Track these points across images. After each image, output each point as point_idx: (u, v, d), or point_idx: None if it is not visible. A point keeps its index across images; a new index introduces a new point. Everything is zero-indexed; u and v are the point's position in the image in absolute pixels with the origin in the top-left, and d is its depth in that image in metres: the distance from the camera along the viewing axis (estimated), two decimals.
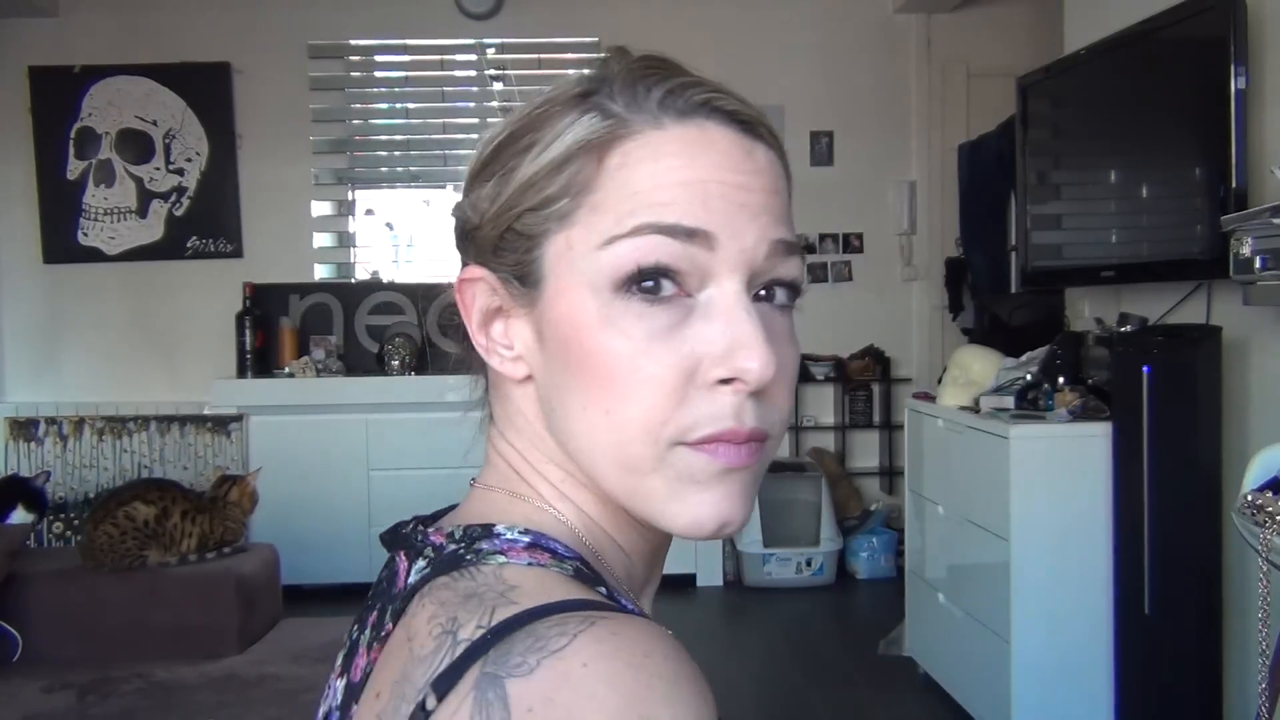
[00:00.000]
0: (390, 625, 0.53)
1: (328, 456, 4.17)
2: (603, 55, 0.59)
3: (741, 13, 4.68)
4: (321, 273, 4.73)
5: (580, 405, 0.55)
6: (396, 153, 4.81)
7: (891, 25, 4.76)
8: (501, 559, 0.53)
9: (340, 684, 0.57)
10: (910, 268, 4.78)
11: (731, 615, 4.09)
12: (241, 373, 4.38)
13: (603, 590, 0.53)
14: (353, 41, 4.69)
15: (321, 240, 4.74)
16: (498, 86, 4.66)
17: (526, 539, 0.55)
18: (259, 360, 4.39)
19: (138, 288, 4.61)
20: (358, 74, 4.75)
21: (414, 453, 4.01)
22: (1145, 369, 2.42)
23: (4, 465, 4.21)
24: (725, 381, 0.53)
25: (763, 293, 0.57)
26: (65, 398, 4.50)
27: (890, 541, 4.39)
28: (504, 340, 0.59)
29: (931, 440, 3.14)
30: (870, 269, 4.79)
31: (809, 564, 4.31)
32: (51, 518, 4.18)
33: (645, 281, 0.53)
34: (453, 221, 0.62)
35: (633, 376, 0.53)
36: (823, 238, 4.76)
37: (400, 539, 0.59)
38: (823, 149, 4.75)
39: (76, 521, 4.15)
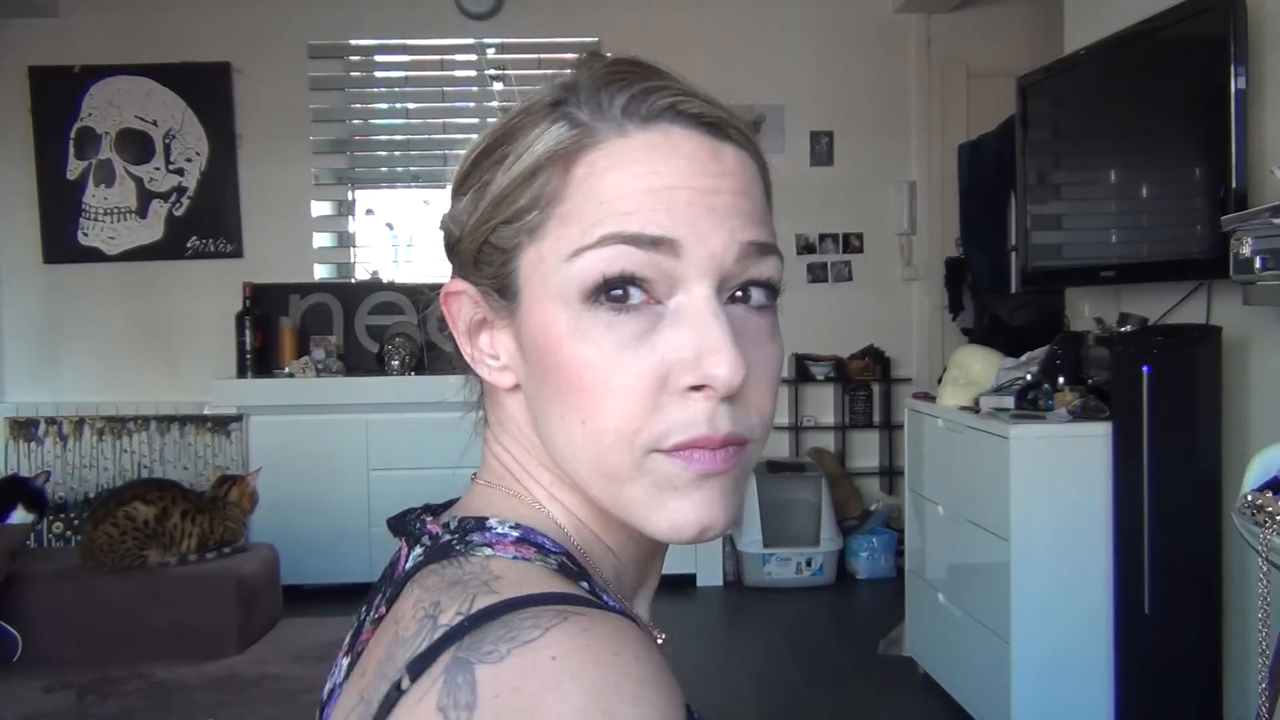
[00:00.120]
0: (384, 609, 0.55)
1: (328, 456, 4.17)
2: (576, 61, 0.59)
3: (741, 13, 4.68)
4: (321, 273, 4.74)
5: (559, 415, 0.56)
6: (396, 153, 4.81)
7: (891, 25, 4.76)
8: (489, 551, 0.54)
9: (345, 662, 0.59)
10: (910, 268, 4.78)
11: (731, 615, 4.09)
12: (241, 373, 4.38)
13: (585, 586, 0.54)
14: (353, 41, 4.69)
15: (321, 240, 4.74)
16: (498, 86, 4.66)
17: (516, 533, 0.56)
18: (259, 360, 4.39)
19: (138, 288, 4.61)
20: (358, 74, 4.75)
21: (414, 453, 4.01)
22: (1145, 369, 2.42)
23: (4, 465, 4.21)
24: (696, 388, 0.53)
25: (739, 294, 0.57)
26: (65, 398, 4.50)
27: (890, 541, 4.39)
28: (490, 350, 0.60)
29: (931, 440, 3.14)
30: (870, 269, 4.79)
31: (809, 564, 4.31)
32: (51, 518, 4.17)
33: (614, 291, 0.54)
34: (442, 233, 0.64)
35: (604, 386, 0.54)
36: (823, 238, 4.76)
37: (403, 526, 0.61)
38: (823, 149, 4.75)
39: (76, 521, 4.15)
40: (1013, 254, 3.70)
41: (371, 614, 0.58)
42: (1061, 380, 2.75)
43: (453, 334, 0.62)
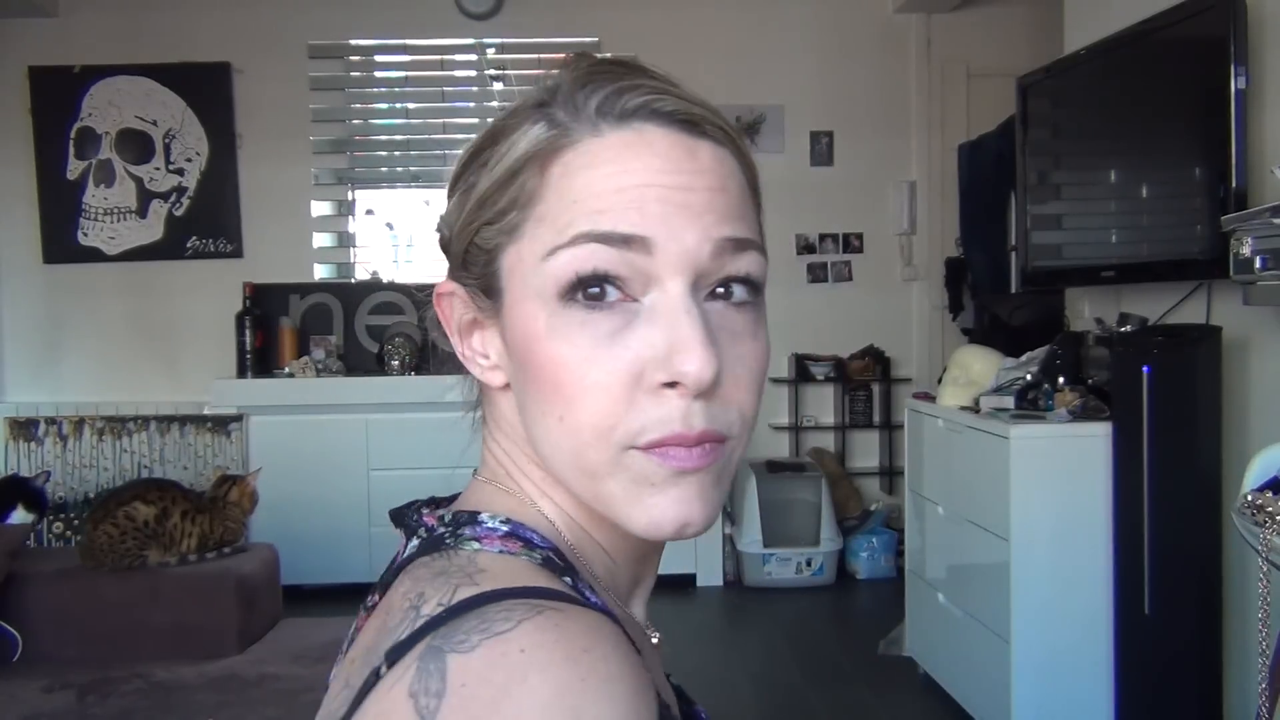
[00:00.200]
0: (377, 598, 0.57)
1: (328, 456, 4.17)
2: (561, 62, 0.60)
3: (741, 13, 4.68)
4: (321, 273, 4.73)
5: (540, 412, 0.57)
6: (396, 153, 4.81)
7: (891, 25, 4.76)
8: (476, 545, 0.55)
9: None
10: (910, 268, 4.78)
11: (731, 615, 4.09)
12: (241, 373, 4.38)
13: (569, 581, 0.54)
14: (353, 41, 4.69)
15: (321, 240, 4.74)
16: (498, 86, 4.66)
17: (505, 528, 0.57)
18: (259, 360, 4.39)
19: (138, 288, 4.61)
20: (358, 74, 4.75)
21: (414, 453, 4.00)
22: (1145, 369, 2.42)
23: (4, 465, 4.21)
24: (670, 385, 0.53)
25: (720, 290, 0.57)
26: (65, 398, 4.50)
27: (890, 541, 4.39)
28: (481, 350, 0.62)
29: (931, 440, 3.14)
30: (870, 269, 4.79)
31: (809, 564, 4.31)
32: (51, 518, 4.18)
33: (592, 289, 0.54)
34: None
35: (579, 383, 0.54)
36: (823, 238, 4.76)
37: (402, 518, 0.62)
38: (823, 149, 4.75)
39: (76, 521, 4.15)
40: (1013, 254, 3.70)
41: (367, 604, 0.59)
42: (1061, 380, 2.75)
43: (446, 334, 0.63)
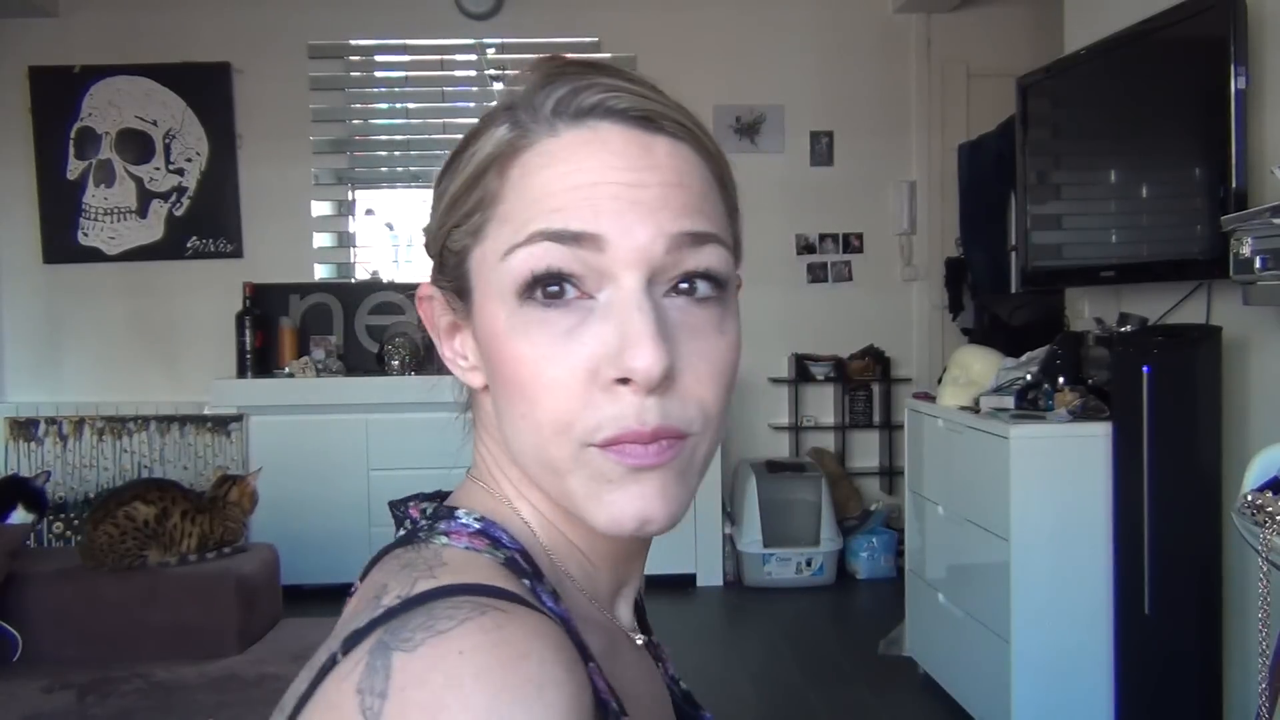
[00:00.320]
0: (359, 584, 0.58)
1: (328, 456, 4.17)
2: (532, 64, 0.60)
3: (741, 13, 4.68)
4: (321, 273, 4.73)
5: (508, 411, 0.58)
6: (396, 153, 4.81)
7: (891, 25, 4.76)
8: (445, 540, 0.56)
9: None
10: (910, 268, 4.78)
11: (731, 615, 4.09)
12: (241, 373, 4.38)
13: (527, 583, 0.55)
14: (353, 41, 4.69)
15: (321, 240, 4.74)
16: (498, 86, 4.66)
17: (477, 525, 0.58)
18: (259, 360, 4.39)
19: (138, 288, 4.61)
20: (358, 74, 4.75)
21: (414, 453, 3.98)
22: (1145, 369, 2.42)
23: (4, 465, 4.21)
24: (623, 381, 0.53)
25: (684, 286, 0.56)
26: (65, 398, 4.50)
27: (890, 541, 4.39)
28: (461, 352, 0.62)
29: (931, 440, 3.14)
30: (870, 269, 4.79)
31: (809, 564, 4.31)
32: (51, 518, 4.18)
33: (550, 286, 0.55)
34: None
35: (538, 381, 0.55)
36: (823, 238, 4.76)
37: (393, 510, 0.64)
38: (823, 149, 4.75)
39: (76, 521, 4.15)
40: (1013, 254, 3.70)
41: (351, 592, 0.60)
42: (1061, 380, 2.75)
43: (430, 336, 0.64)
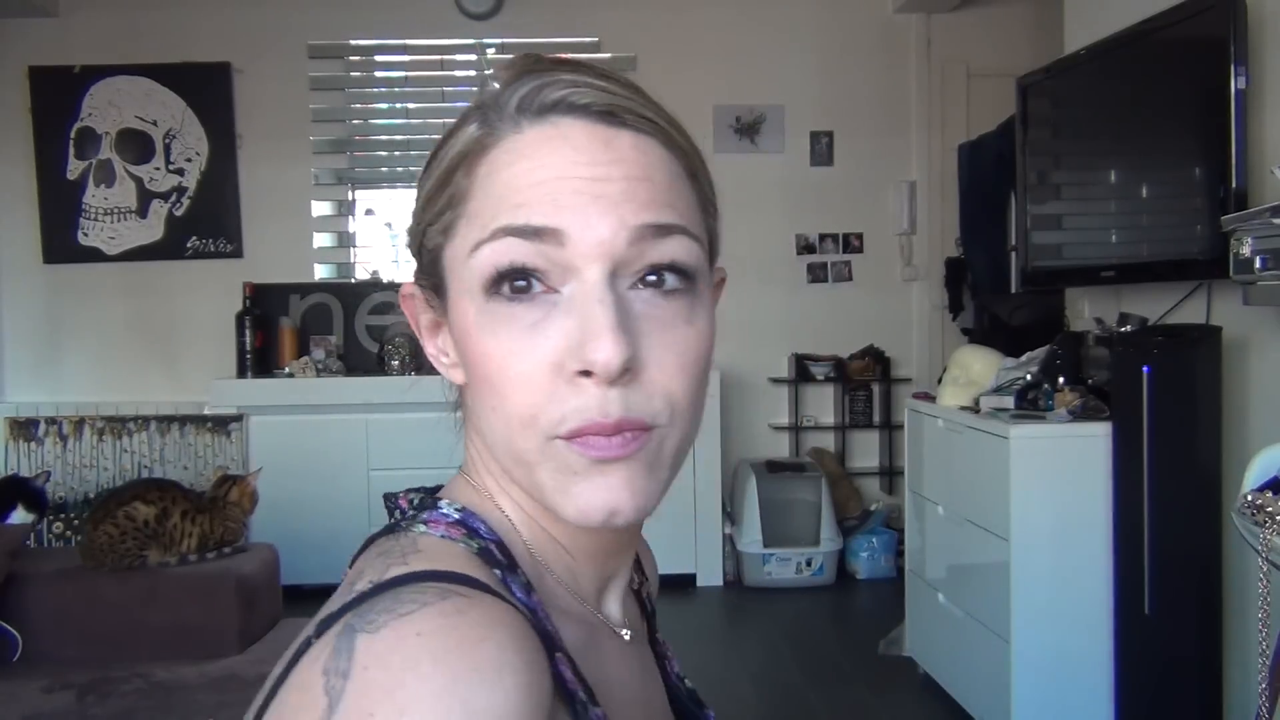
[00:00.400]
0: (346, 572, 0.59)
1: (328, 456, 4.17)
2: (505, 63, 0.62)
3: (741, 13, 4.68)
4: (321, 273, 4.73)
5: (481, 405, 0.59)
6: (396, 153, 4.81)
7: (891, 25, 4.76)
8: (423, 529, 0.57)
9: None
10: (910, 268, 4.78)
11: (731, 615, 4.09)
12: (241, 373, 4.38)
13: (498, 574, 0.56)
14: (353, 41, 4.69)
15: (321, 240, 4.74)
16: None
17: (456, 515, 0.59)
18: (259, 360, 4.39)
19: (138, 288, 4.61)
20: (358, 74, 4.75)
21: (414, 453, 3.97)
22: (1145, 369, 2.42)
23: (4, 465, 4.20)
24: (586, 374, 0.54)
25: (652, 278, 0.56)
26: (65, 398, 4.50)
27: (890, 541, 4.39)
28: (443, 349, 0.63)
29: (931, 440, 3.14)
30: (870, 269, 4.79)
31: (809, 564, 4.31)
32: (51, 518, 4.17)
33: (516, 281, 0.55)
34: None
35: (505, 375, 0.56)
36: (823, 238, 4.76)
37: (386, 501, 0.65)
38: (823, 149, 4.75)
39: (76, 521, 4.14)
40: (1013, 254, 3.70)
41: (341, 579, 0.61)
42: (1061, 380, 2.75)
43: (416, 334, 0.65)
